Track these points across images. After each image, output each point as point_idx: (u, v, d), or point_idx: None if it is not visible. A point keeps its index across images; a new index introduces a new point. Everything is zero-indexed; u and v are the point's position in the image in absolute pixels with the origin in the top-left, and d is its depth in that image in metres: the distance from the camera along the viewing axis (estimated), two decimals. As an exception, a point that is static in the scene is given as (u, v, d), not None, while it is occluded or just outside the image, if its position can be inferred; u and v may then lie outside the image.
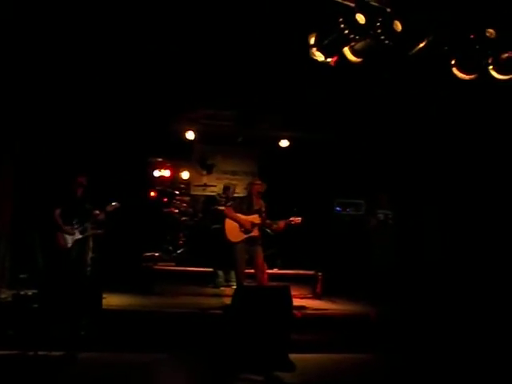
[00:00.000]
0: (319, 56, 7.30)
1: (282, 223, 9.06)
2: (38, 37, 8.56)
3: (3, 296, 8.30)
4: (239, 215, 9.07)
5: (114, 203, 9.47)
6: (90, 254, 9.59)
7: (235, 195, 11.70)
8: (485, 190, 9.90)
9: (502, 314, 8.76)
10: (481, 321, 8.58)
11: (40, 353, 7.18)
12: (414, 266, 10.49)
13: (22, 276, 8.83)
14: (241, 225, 9.00)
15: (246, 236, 9.00)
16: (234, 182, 12.80)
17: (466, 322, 8.60)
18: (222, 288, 10.79)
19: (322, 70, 7.79)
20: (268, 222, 9.11)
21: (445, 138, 10.32)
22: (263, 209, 9.15)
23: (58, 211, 9.29)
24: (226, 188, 11.93)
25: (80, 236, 9.36)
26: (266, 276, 9.14)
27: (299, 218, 9.07)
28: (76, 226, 9.33)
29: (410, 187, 11.13)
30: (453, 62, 7.45)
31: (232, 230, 9.04)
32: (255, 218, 9.03)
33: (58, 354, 7.19)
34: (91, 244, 9.58)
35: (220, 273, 11.03)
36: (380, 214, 11.30)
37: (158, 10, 8.06)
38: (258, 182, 9.41)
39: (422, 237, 10.79)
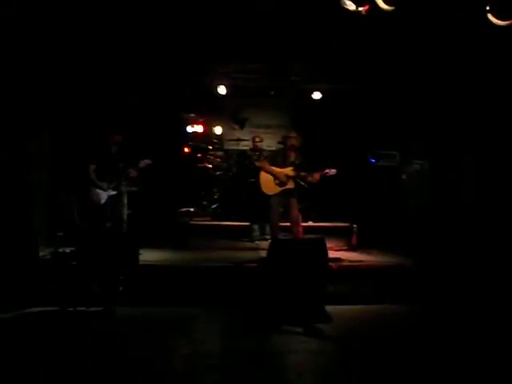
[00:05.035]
0: (350, 5, 7.17)
1: (316, 175, 8.97)
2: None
3: (42, 254, 8.43)
4: (274, 168, 9.05)
5: (146, 160, 9.46)
6: (126, 211, 9.66)
7: (265, 148, 11.65)
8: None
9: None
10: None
11: (79, 308, 7.33)
12: (449, 216, 10.37)
13: (59, 234, 8.93)
14: (275, 177, 8.99)
15: (281, 189, 8.99)
16: (266, 136, 12.75)
17: (505, 271, 8.51)
18: (257, 242, 10.83)
19: (354, 19, 7.65)
20: (303, 174, 9.05)
21: (479, 84, 10.09)
22: (298, 161, 9.10)
23: (92, 166, 9.34)
24: (253, 141, 11.92)
25: (114, 192, 9.40)
26: (301, 229, 9.17)
27: (334, 170, 9.00)
28: (109, 183, 9.38)
29: (445, 135, 10.93)
30: (488, 7, 7.27)
31: (267, 183, 9.04)
32: (290, 171, 8.99)
33: (96, 309, 7.34)
34: (125, 200, 9.63)
35: (255, 227, 11.07)
36: (416, 164, 11.16)
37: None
38: (294, 135, 9.35)
39: (458, 186, 10.63)
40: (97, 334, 6.61)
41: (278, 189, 9.01)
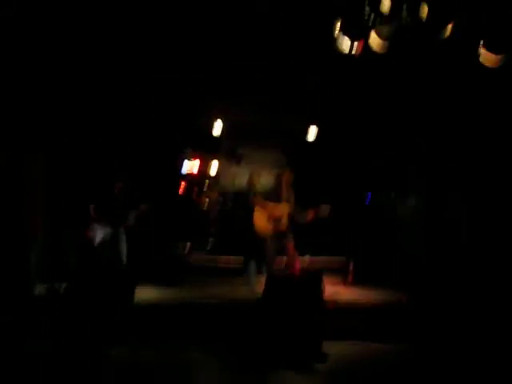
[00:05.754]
0: (345, 43, 7.24)
1: (310, 213, 9.01)
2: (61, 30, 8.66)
3: (37, 290, 8.39)
4: (268, 204, 9.06)
5: (147, 205, 9.55)
6: (125, 250, 9.66)
7: (262, 185, 11.63)
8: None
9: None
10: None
11: (73, 348, 7.27)
12: (445, 253, 10.36)
13: (54, 272, 8.92)
14: (270, 214, 9.00)
15: (275, 225, 8.99)
16: (262, 173, 12.74)
17: (503, 307, 8.49)
18: (253, 277, 10.79)
19: (347, 62, 7.73)
20: (297, 210, 9.08)
21: (471, 123, 10.15)
22: (292, 198, 9.13)
23: (93, 206, 9.41)
24: (250, 178, 11.88)
25: (109, 230, 9.44)
26: (297, 264, 9.15)
27: (327, 206, 9.01)
28: (105, 224, 9.42)
29: (439, 173, 10.97)
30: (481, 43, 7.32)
31: (261, 220, 9.07)
32: (284, 207, 9.01)
33: (91, 348, 7.27)
34: (124, 237, 9.64)
35: (251, 262, 11.03)
36: (409, 202, 11.20)
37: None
38: (287, 172, 9.41)
39: (449, 222, 10.64)
40: (91, 375, 6.55)
41: (273, 226, 9.01)
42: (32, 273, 8.63)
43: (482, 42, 7.32)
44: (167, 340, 7.70)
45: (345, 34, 7.24)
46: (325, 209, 8.99)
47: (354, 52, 7.22)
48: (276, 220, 8.99)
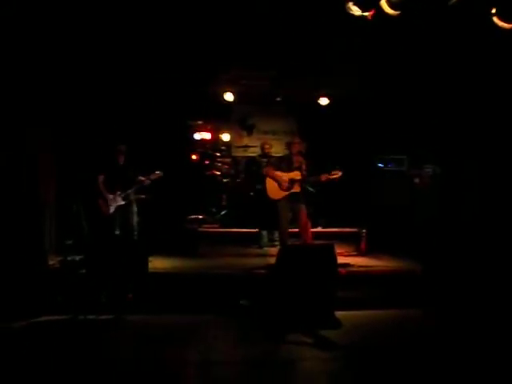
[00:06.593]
0: (356, 10, 7.15)
1: (323, 177, 9.00)
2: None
3: (51, 262, 8.44)
4: (279, 173, 9.07)
5: (157, 172, 9.58)
6: (136, 219, 9.73)
7: (274, 154, 11.57)
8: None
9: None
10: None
11: (89, 317, 7.34)
12: (460, 221, 10.30)
13: (68, 242, 8.96)
14: (280, 182, 9.01)
15: (287, 193, 9.01)
16: (274, 142, 12.65)
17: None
18: (266, 248, 10.82)
19: (359, 25, 7.62)
20: (309, 177, 9.10)
21: (486, 89, 10.03)
22: (304, 166, 9.12)
23: (101, 177, 9.46)
24: (262, 147, 11.81)
25: (122, 202, 9.50)
26: (310, 234, 9.15)
27: (339, 172, 8.98)
28: (118, 193, 9.47)
29: (457, 140, 10.85)
30: (493, 10, 7.22)
31: (273, 188, 9.08)
32: (296, 175, 9.02)
33: (106, 317, 7.34)
34: (135, 209, 9.71)
35: (264, 233, 11.05)
36: (428, 169, 11.11)
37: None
38: (298, 141, 9.41)
39: (463, 191, 10.55)
40: (107, 342, 6.61)
41: (284, 193, 9.04)
42: (44, 243, 8.67)
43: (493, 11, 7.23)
44: (181, 309, 7.74)
45: (355, 4, 7.14)
46: (336, 174, 8.97)
47: (366, 14, 7.13)
48: (287, 188, 8.99)
